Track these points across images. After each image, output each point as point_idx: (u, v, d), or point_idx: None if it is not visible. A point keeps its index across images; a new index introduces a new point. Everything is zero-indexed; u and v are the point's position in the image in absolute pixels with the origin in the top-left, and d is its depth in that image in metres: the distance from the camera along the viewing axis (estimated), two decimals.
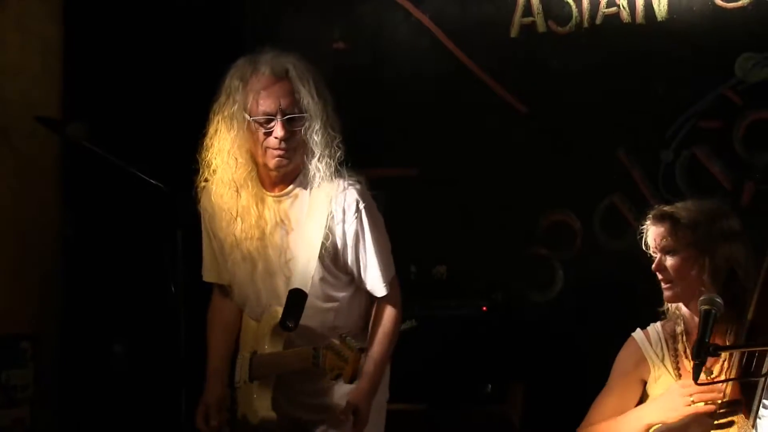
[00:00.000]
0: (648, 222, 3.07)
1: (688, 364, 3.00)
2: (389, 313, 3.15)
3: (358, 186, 3.11)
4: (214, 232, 3.21)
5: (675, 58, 4.22)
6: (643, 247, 3.09)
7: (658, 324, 3.13)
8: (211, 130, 3.11)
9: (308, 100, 3.02)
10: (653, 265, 3.01)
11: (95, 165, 3.22)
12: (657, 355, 3.05)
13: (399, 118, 4.65)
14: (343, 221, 3.07)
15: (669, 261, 2.99)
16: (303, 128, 3.02)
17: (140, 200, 3.31)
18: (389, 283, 3.15)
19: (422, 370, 4.13)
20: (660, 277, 3.01)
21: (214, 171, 3.13)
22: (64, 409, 4.41)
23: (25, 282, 4.29)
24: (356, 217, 3.08)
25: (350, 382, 2.76)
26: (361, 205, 3.08)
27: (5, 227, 4.24)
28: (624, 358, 3.13)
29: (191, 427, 3.18)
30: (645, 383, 3.08)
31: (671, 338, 3.06)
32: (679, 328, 3.06)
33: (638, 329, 3.14)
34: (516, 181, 4.50)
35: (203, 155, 3.13)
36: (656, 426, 2.93)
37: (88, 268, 4.50)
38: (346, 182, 3.09)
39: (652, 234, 3.03)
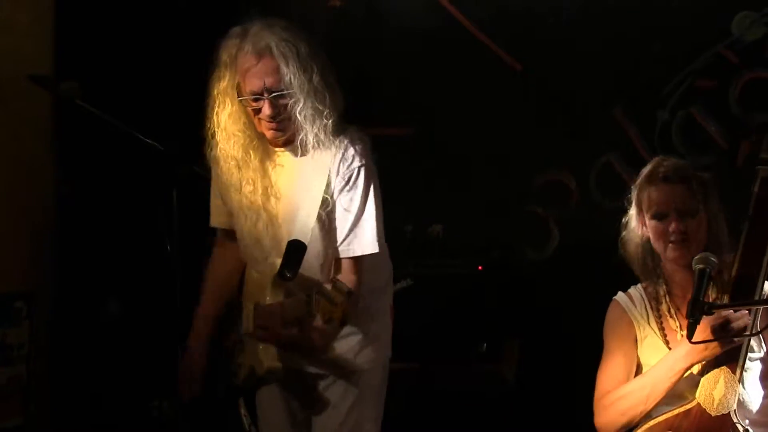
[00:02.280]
0: (652, 179, 3.02)
1: (673, 324, 3.02)
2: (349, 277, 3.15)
3: (360, 145, 3.14)
4: (220, 184, 3.25)
5: (673, 14, 4.20)
6: (630, 206, 3.07)
7: (639, 286, 3.13)
8: (210, 101, 3.15)
9: (292, 77, 3.04)
10: (672, 227, 2.94)
11: (89, 123, 3.21)
12: (642, 316, 3.05)
13: (393, 77, 4.67)
14: (338, 173, 3.10)
15: (690, 222, 2.95)
16: (289, 104, 3.04)
17: (135, 158, 3.32)
18: (371, 245, 3.15)
19: (418, 329, 4.16)
20: (675, 238, 2.96)
21: (217, 143, 3.16)
22: (60, 367, 4.44)
23: (20, 241, 4.29)
24: (348, 172, 3.10)
25: (341, 325, 2.79)
26: (357, 163, 3.10)
27: None
28: (614, 320, 3.12)
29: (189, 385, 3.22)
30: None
31: (654, 300, 3.05)
32: (662, 290, 3.05)
33: (620, 292, 3.14)
34: (511, 140, 4.53)
35: (206, 125, 3.17)
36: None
37: (83, 226, 4.50)
38: (348, 142, 3.12)
39: (668, 194, 2.97)
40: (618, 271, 3.29)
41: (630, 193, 3.12)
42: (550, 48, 4.45)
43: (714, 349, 2.80)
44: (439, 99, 4.63)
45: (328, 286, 2.81)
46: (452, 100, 4.60)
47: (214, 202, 3.38)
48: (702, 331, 2.75)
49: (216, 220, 3.40)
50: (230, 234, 3.38)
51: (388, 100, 4.67)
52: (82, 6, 4.57)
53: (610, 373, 3.03)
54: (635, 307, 3.08)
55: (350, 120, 3.21)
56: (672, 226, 2.95)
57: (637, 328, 3.05)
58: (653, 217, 3.01)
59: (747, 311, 2.81)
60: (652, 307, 3.05)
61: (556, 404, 4.24)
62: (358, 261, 3.11)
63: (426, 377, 4.24)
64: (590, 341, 3.21)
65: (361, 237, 3.11)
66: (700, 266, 2.78)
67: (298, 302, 2.94)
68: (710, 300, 2.86)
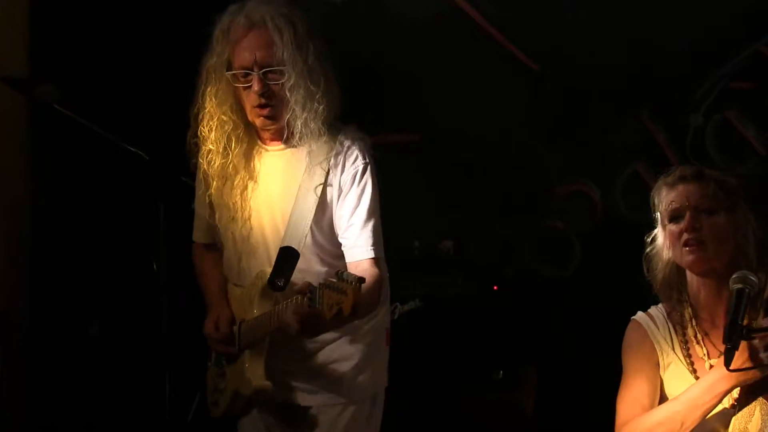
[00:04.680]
0: (669, 181, 2.99)
1: (700, 351, 2.98)
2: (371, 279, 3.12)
3: (361, 143, 3.14)
4: (205, 189, 3.25)
5: (706, 8, 4.20)
6: (654, 210, 3.06)
7: (660, 306, 3.10)
8: (198, 84, 3.15)
9: (285, 52, 3.04)
10: (684, 224, 2.90)
11: (68, 130, 3.21)
12: (666, 341, 3.00)
13: (398, 78, 4.64)
14: (341, 175, 3.10)
15: (706, 220, 2.94)
16: (281, 83, 3.05)
17: (118, 169, 3.31)
18: (373, 250, 3.14)
19: (427, 354, 4.16)
20: (688, 237, 2.91)
21: (199, 128, 3.16)
22: (35, 392, 4.43)
23: None
24: (354, 169, 3.11)
25: (352, 313, 2.77)
26: (361, 161, 3.11)
27: None
28: (635, 342, 3.05)
29: (176, 414, 3.19)
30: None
31: (679, 324, 3.02)
32: (687, 312, 3.02)
33: (639, 312, 3.11)
34: (528, 147, 4.52)
35: (192, 110, 3.17)
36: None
37: (61, 242, 4.49)
38: (347, 139, 3.12)
39: (682, 192, 2.94)
40: (647, 291, 3.28)
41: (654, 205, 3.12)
42: (570, 46, 4.44)
43: (755, 373, 2.79)
44: (448, 102, 4.61)
45: (333, 278, 2.80)
46: (463, 104, 4.58)
47: (199, 214, 3.37)
48: (740, 355, 2.74)
49: (198, 235, 3.40)
50: (211, 247, 3.39)
51: (393, 103, 4.64)
52: (58, 2, 4.59)
53: (632, 398, 2.95)
54: (657, 329, 3.03)
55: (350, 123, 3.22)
56: (684, 223, 2.92)
57: (659, 353, 3.01)
58: (670, 220, 3.00)
59: None
60: (676, 332, 3.02)
61: None
62: (376, 260, 3.10)
63: (436, 409, 4.22)
64: (616, 368, 3.18)
65: (377, 237, 3.10)
66: (738, 286, 2.75)
67: (295, 303, 2.92)
68: (747, 322, 2.85)
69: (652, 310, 3.09)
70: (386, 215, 3.17)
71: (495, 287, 4.33)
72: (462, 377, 4.25)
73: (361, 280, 2.67)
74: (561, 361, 4.38)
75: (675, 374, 2.97)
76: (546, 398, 4.36)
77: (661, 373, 2.98)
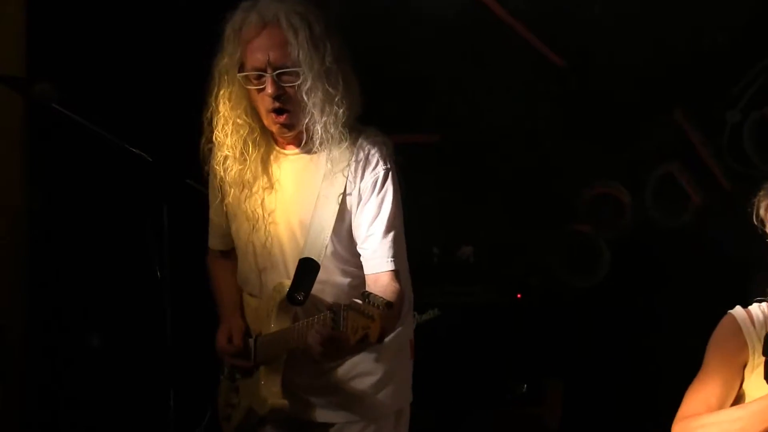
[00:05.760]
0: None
1: None
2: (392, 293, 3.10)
3: (383, 148, 3.11)
4: (221, 197, 3.23)
5: None
6: (755, 221, 3.04)
7: (764, 305, 3.07)
8: (210, 87, 3.13)
9: (301, 52, 3.00)
10: None
11: (66, 130, 3.20)
12: (760, 341, 2.99)
13: (417, 75, 4.60)
14: (360, 182, 3.08)
15: None
16: (297, 85, 3.02)
17: (119, 171, 3.29)
18: (393, 262, 3.13)
19: (446, 367, 4.14)
20: None
21: (214, 133, 3.15)
22: (32, 408, 4.44)
23: None
24: (374, 176, 3.09)
25: (379, 341, 2.74)
26: (382, 167, 3.08)
27: None
28: (724, 337, 3.01)
29: (182, 430, 3.19)
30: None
31: None
32: None
33: (738, 307, 3.06)
34: (554, 147, 4.48)
35: (205, 115, 3.15)
36: None
37: (59, 248, 4.49)
38: (368, 143, 3.09)
39: None
40: (683, 299, 3.25)
41: None
42: (598, 40, 4.40)
43: None
44: (469, 100, 4.59)
45: (359, 300, 2.77)
46: (484, 102, 4.55)
47: (214, 221, 3.33)
48: None
49: (214, 241, 3.37)
50: (227, 254, 3.36)
51: (411, 101, 4.61)
52: None
53: (702, 396, 2.91)
54: (754, 328, 3.02)
55: (367, 125, 3.19)
56: None
57: (751, 353, 3.00)
58: None
59: None
60: None
61: None
62: (396, 273, 3.05)
63: (457, 424, 4.19)
64: (647, 383, 3.17)
65: (397, 248, 3.06)
66: None
67: (319, 322, 2.90)
68: None
69: (754, 307, 3.05)
70: (404, 220, 3.13)
71: (518, 296, 4.32)
72: (483, 391, 4.24)
73: (390, 304, 2.64)
74: (588, 375, 4.34)
75: (761, 378, 2.95)
76: (572, 414, 4.32)
77: (749, 373, 2.96)
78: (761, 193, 2.97)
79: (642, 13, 4.33)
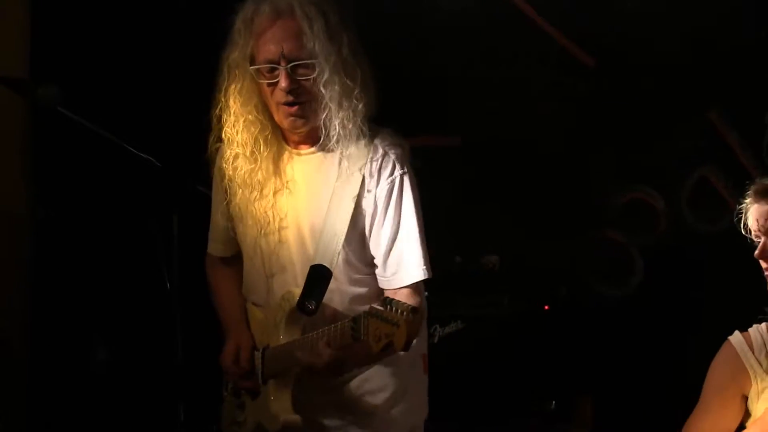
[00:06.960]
0: (749, 199, 3.03)
1: None
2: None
3: (399, 150, 3.10)
4: (229, 198, 3.23)
5: None
6: (742, 230, 3.06)
7: (763, 326, 3.09)
8: (219, 82, 3.13)
9: (317, 43, 3.00)
10: (756, 251, 2.94)
11: (72, 135, 3.21)
12: (761, 365, 3.00)
13: (438, 75, 4.61)
14: (376, 187, 3.07)
15: None
16: (312, 78, 3.02)
17: (128, 177, 3.30)
18: (414, 275, 3.12)
19: (470, 382, 4.13)
20: (765, 265, 2.95)
21: (223, 131, 3.15)
22: (36, 423, 4.45)
23: None
24: (390, 183, 3.08)
25: (405, 349, 2.73)
26: (398, 171, 3.07)
27: None
28: (719, 367, 3.07)
29: None
30: (746, 398, 3.05)
31: None
32: None
33: (736, 332, 3.08)
34: (583, 150, 4.48)
35: (213, 111, 3.15)
36: None
37: (64, 258, 4.50)
38: (383, 145, 3.09)
39: (755, 213, 2.97)
40: (721, 309, 3.24)
41: None
42: (629, 38, 4.39)
43: None
44: (492, 102, 4.58)
45: (380, 306, 2.76)
46: (510, 103, 4.55)
47: (214, 219, 3.33)
48: None
49: (215, 247, 3.35)
50: (228, 261, 3.35)
51: (432, 103, 4.61)
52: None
53: (701, 428, 3.01)
54: (752, 352, 3.03)
55: (384, 126, 3.19)
56: (756, 251, 2.95)
57: (753, 378, 3.00)
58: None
59: None
60: None
61: None
62: (415, 286, 3.05)
63: None
64: (681, 397, 3.16)
65: (416, 259, 3.03)
66: None
67: (336, 331, 2.90)
68: None
69: (753, 330, 3.08)
70: (423, 227, 3.12)
71: (546, 307, 4.29)
72: (509, 407, 4.22)
73: (415, 309, 2.62)
74: (619, 391, 4.34)
75: None
76: (602, 430, 4.30)
77: (755, 399, 2.98)
78: (747, 201, 2.98)
79: (677, 10, 4.32)
